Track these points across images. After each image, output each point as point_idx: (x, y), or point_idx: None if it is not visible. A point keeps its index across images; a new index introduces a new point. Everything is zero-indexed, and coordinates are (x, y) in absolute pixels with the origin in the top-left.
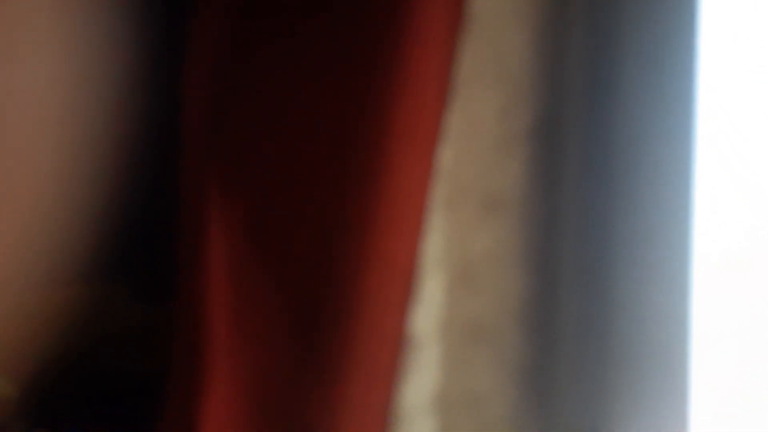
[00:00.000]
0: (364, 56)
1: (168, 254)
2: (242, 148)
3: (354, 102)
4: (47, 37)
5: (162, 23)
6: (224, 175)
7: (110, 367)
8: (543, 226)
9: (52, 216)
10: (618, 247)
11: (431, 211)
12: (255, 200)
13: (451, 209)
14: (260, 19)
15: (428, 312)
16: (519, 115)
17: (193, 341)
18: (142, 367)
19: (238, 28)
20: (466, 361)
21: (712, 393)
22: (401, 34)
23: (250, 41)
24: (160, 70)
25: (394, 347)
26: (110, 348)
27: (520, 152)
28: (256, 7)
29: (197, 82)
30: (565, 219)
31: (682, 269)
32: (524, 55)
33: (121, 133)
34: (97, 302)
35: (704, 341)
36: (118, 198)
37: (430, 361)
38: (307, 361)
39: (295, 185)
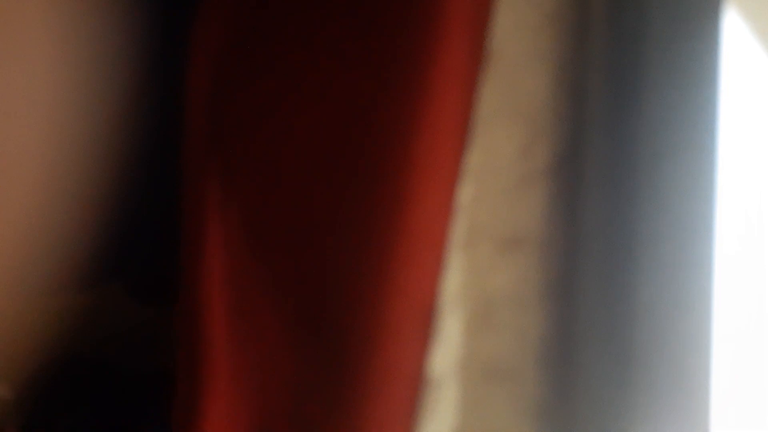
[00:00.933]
0: (384, 94)
1: (168, 254)
2: (247, 153)
3: (373, 136)
4: (46, 36)
5: (165, 22)
6: (227, 178)
7: (110, 368)
8: (563, 264)
9: (50, 218)
10: (641, 285)
11: (450, 248)
12: (259, 204)
13: (470, 247)
14: (269, 24)
15: (446, 351)
16: (539, 153)
17: (192, 343)
18: (141, 368)
19: (246, 28)
20: (484, 401)
21: (735, 420)
22: (422, 71)
23: (258, 45)
24: (161, 69)
25: (412, 386)
26: (109, 349)
27: (540, 189)
28: (263, 12)
29: (200, 82)
30: (586, 256)
31: (705, 306)
32: (544, 92)
33: (120, 134)
34: (96, 305)
35: (727, 376)
36: (118, 199)
37: (448, 401)
38: (316, 378)
39: (302, 204)
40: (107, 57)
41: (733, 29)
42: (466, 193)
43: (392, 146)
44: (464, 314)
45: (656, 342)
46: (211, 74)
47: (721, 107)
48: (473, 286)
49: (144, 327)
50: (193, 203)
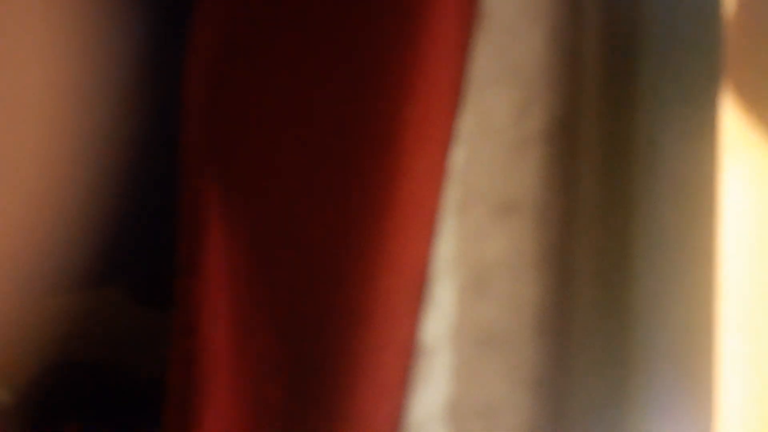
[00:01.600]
0: (375, 57)
1: (168, 257)
2: (243, 151)
3: (363, 103)
4: (46, 38)
5: (164, 24)
6: (224, 178)
7: (109, 371)
8: (558, 230)
9: (49, 219)
10: (635, 251)
11: (443, 214)
12: (255, 203)
13: (464, 213)
14: (264, 19)
15: (440, 318)
16: (533, 117)
17: (189, 349)
18: (141, 371)
19: (242, 27)
20: (478, 369)
21: (739, 402)
22: (413, 34)
23: (254, 41)
24: (161, 70)
25: (405, 355)
26: (109, 352)
27: (534, 154)
28: (259, 7)
29: (196, 87)
30: (581, 222)
31: (704, 273)
32: (538, 55)
33: (120, 137)
34: (97, 307)
35: (730, 347)
36: (119, 201)
37: (442, 369)
38: (310, 368)
39: (298, 188)
40: (108, 59)
41: None
42: (459, 158)
43: (380, 111)
44: (458, 281)
45: (652, 309)
46: (207, 79)
47: (721, 69)
48: (467, 252)
49: (143, 330)
50: (190, 206)
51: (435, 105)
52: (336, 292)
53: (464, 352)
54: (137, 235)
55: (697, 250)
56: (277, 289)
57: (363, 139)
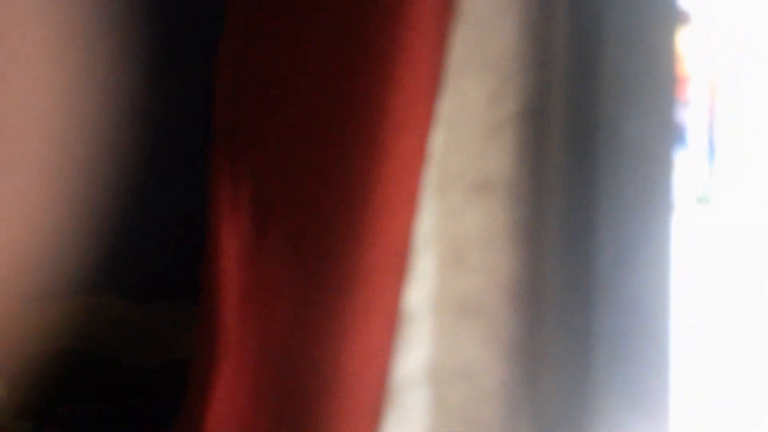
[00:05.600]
0: (360, 48)
1: (162, 252)
2: (250, 139)
3: (350, 91)
4: (48, 37)
5: (169, 28)
6: (238, 168)
7: (108, 363)
8: (529, 206)
9: (50, 225)
10: (601, 225)
11: (423, 193)
12: (262, 191)
13: (442, 191)
14: (283, 26)
15: (420, 288)
16: (506, 101)
17: (206, 333)
18: (140, 362)
19: (266, 31)
20: (456, 335)
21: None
22: (394, 26)
23: (275, 46)
24: (164, 75)
25: (390, 321)
26: (108, 345)
27: (507, 137)
28: (280, 19)
29: (225, 82)
30: (551, 199)
31: (663, 242)
32: (511, 43)
33: (118, 141)
34: (92, 307)
35: (685, 321)
36: (116, 205)
37: (422, 335)
38: (306, 334)
39: (297, 173)
40: (109, 62)
41: None
42: (437, 141)
43: (366, 99)
44: (437, 254)
45: (615, 276)
46: (235, 75)
47: (677, 59)
48: (445, 227)
49: (140, 323)
50: (218, 192)
51: (416, 92)
52: (330, 265)
53: (443, 319)
54: (131, 237)
55: (659, 217)
56: (279, 263)
57: (350, 124)
